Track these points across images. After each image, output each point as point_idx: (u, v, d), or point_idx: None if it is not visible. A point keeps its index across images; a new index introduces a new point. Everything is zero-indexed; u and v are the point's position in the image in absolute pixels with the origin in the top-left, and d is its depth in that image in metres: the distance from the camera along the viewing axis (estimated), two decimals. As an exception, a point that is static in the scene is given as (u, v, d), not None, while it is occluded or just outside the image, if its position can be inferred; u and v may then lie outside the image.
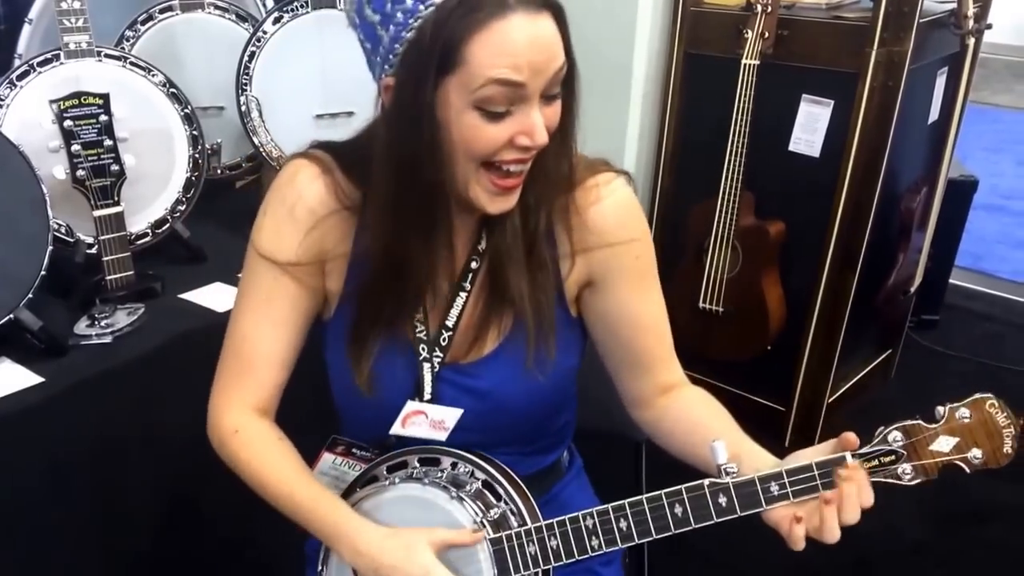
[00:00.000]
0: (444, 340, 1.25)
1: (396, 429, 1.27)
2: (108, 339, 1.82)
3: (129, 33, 2.22)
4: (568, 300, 1.26)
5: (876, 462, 1.05)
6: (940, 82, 2.78)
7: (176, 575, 1.86)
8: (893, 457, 1.05)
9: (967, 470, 1.04)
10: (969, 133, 3.09)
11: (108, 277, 1.91)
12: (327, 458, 1.39)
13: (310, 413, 1.33)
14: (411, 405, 1.26)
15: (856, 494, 1.05)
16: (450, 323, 1.24)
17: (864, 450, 1.05)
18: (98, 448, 1.72)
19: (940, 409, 1.05)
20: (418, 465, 1.27)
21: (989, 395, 1.03)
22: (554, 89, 1.08)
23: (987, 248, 4.46)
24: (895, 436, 1.04)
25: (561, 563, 1.17)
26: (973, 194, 3.45)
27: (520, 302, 1.19)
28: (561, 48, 1.07)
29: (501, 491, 1.24)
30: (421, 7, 1.02)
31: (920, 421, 1.04)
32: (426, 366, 1.25)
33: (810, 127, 2.59)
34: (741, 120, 2.58)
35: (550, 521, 1.17)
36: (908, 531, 2.61)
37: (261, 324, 1.26)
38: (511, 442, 1.31)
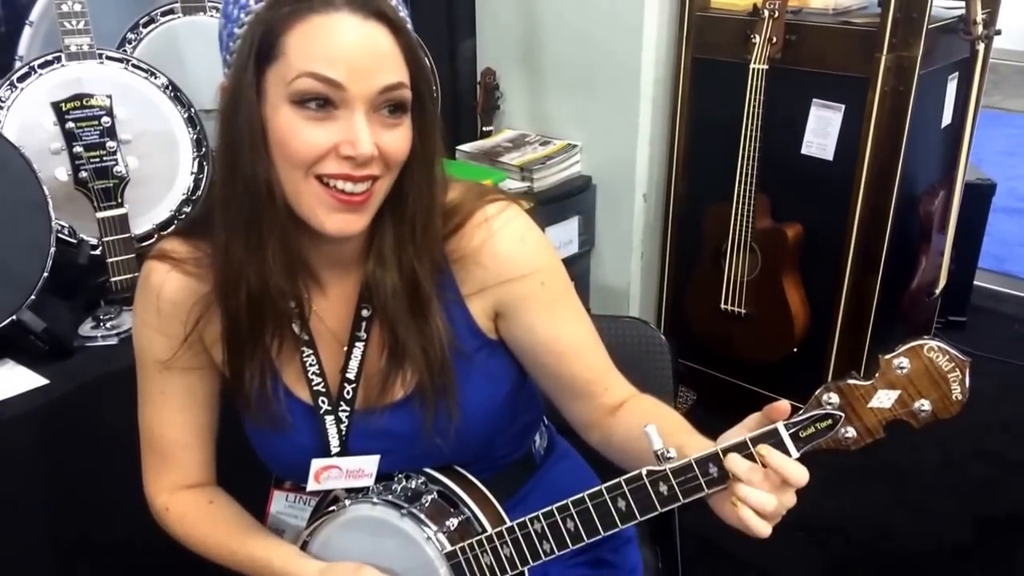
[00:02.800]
0: (348, 393, 1.20)
1: (312, 486, 1.23)
2: (114, 340, 1.82)
3: (131, 36, 2.19)
4: (485, 330, 1.21)
5: (812, 429, 0.96)
6: (951, 87, 2.77)
7: (176, 572, 1.85)
8: (830, 421, 0.95)
9: (915, 425, 0.95)
10: (984, 137, 3.10)
11: (113, 279, 1.89)
12: (278, 496, 1.38)
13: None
14: (318, 462, 1.22)
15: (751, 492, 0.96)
16: (351, 375, 1.20)
17: (796, 418, 0.96)
18: (103, 449, 1.71)
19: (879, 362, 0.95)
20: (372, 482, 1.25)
21: (928, 339, 0.93)
22: (387, 105, 1.03)
23: (1010, 250, 4.47)
24: (828, 398, 0.95)
25: (518, 571, 1.14)
26: (992, 197, 3.45)
27: (414, 358, 1.14)
28: (398, 65, 1.02)
29: (458, 500, 1.21)
30: (252, 2, 1.01)
31: (855, 378, 0.95)
32: (328, 419, 1.21)
33: (822, 131, 2.58)
34: (752, 124, 2.56)
35: (499, 528, 1.14)
36: (950, 535, 2.59)
37: (164, 415, 1.27)
38: (459, 463, 1.26)
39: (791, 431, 0.96)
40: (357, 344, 1.19)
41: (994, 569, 2.49)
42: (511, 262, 1.16)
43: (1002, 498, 2.74)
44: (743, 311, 2.80)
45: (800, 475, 0.96)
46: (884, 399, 0.94)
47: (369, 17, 1.00)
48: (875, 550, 2.53)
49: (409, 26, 1.06)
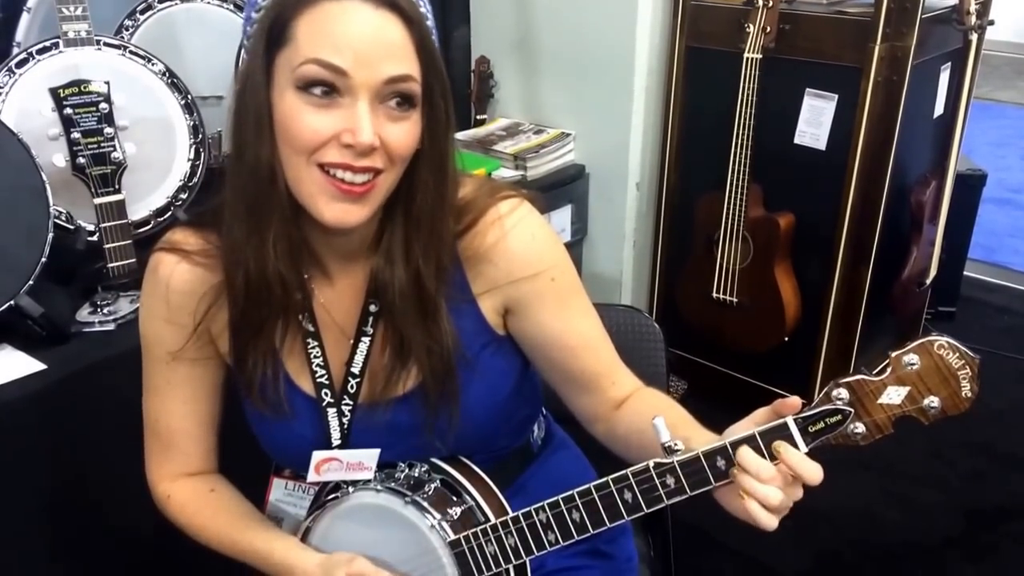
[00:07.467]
0: (352, 387, 1.20)
1: (312, 477, 1.23)
2: (111, 326, 1.83)
3: (128, 22, 2.19)
4: (494, 326, 1.21)
5: (822, 424, 0.96)
6: (944, 77, 2.79)
7: (174, 557, 1.87)
8: (840, 417, 0.95)
9: (924, 421, 0.96)
10: (974, 128, 3.12)
11: (110, 264, 1.89)
12: (278, 484, 1.38)
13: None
14: (319, 454, 1.22)
15: (756, 486, 0.96)
16: (356, 369, 1.20)
17: (806, 413, 0.96)
18: (100, 434, 1.72)
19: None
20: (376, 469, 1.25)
21: (938, 336, 0.93)
22: (393, 97, 1.02)
23: (999, 241, 4.50)
24: (838, 393, 0.95)
25: (521, 560, 1.14)
26: (982, 188, 3.46)
27: (419, 357, 1.15)
28: (407, 57, 1.01)
29: (461, 489, 1.21)
30: None
31: (864, 375, 0.95)
32: (331, 411, 1.21)
33: (815, 120, 2.59)
34: (745, 113, 2.57)
35: (504, 518, 1.14)
36: (938, 525, 2.61)
37: (169, 404, 1.27)
38: (462, 454, 1.26)
39: (800, 426, 0.97)
40: (363, 339, 1.19)
41: (981, 560, 2.50)
42: (523, 260, 1.17)
43: (990, 489, 2.76)
44: (735, 300, 2.82)
45: (814, 473, 0.96)
46: (894, 395, 0.95)
47: (381, 6, 0.99)
48: (863, 540, 2.55)
49: (429, 23, 1.05)
